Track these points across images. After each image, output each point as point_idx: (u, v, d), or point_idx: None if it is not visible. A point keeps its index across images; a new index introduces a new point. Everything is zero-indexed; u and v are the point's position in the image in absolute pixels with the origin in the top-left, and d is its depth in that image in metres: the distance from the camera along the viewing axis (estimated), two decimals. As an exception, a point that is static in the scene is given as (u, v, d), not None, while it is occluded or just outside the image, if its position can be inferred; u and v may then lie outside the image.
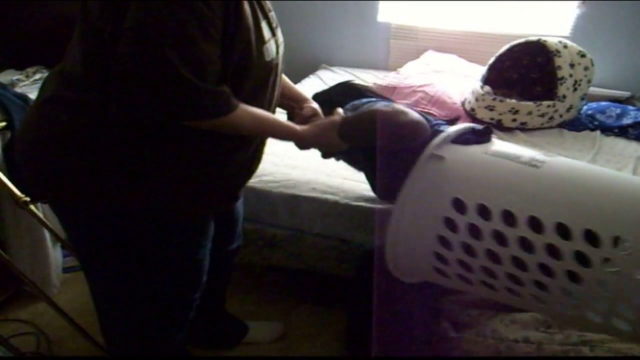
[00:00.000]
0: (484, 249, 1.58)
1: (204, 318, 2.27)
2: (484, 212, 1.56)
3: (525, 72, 3.73)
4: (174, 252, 1.67)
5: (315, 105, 1.99)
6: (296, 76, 3.78)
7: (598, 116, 3.44)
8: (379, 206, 2.32)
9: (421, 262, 1.75)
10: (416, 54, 4.08)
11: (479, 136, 1.79)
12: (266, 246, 2.51)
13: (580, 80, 3.29)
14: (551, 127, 3.34)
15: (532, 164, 1.63)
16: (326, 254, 2.47)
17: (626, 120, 3.36)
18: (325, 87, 3.67)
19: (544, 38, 3.36)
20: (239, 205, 2.08)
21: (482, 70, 3.55)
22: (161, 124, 1.41)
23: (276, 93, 1.73)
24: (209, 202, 1.66)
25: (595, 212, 1.46)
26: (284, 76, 1.92)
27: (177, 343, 1.92)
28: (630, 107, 3.51)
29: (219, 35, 1.36)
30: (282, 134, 1.71)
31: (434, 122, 1.94)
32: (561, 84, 3.25)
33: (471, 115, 3.33)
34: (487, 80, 3.48)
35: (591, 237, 1.40)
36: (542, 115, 3.25)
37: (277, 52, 1.63)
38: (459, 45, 4.17)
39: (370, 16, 4.20)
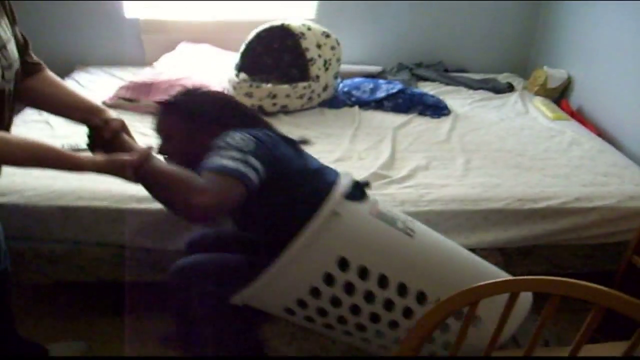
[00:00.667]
0: (351, 303, 1.73)
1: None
2: (363, 272, 1.69)
3: (278, 55, 3.84)
4: None
5: (116, 115, 1.82)
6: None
7: (354, 92, 3.66)
8: (151, 207, 2.32)
9: (276, 300, 1.80)
10: (171, 47, 4.05)
11: (361, 191, 1.84)
12: (46, 263, 2.41)
13: (330, 60, 3.46)
14: (312, 108, 3.49)
15: (406, 232, 1.80)
16: (109, 262, 2.43)
17: (379, 94, 3.61)
18: (82, 89, 3.57)
19: (287, 22, 3.47)
20: None
21: (236, 58, 3.61)
22: None
23: (6, 119, 1.61)
24: None
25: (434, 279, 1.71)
26: (67, 86, 1.86)
27: None
28: (382, 81, 3.77)
29: None
30: (62, 164, 1.48)
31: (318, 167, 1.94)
32: (312, 64, 3.40)
33: (232, 104, 3.37)
34: (241, 67, 3.55)
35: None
36: (301, 97, 3.38)
37: (3, 77, 1.51)
38: (211, 35, 4.19)
39: (116, 13, 4.10)
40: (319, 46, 3.42)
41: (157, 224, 2.36)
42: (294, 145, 1.92)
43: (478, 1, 4.35)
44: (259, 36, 3.56)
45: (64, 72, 3.88)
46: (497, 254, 2.48)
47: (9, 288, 2.11)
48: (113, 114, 1.82)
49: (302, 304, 1.75)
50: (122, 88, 3.39)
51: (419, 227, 1.89)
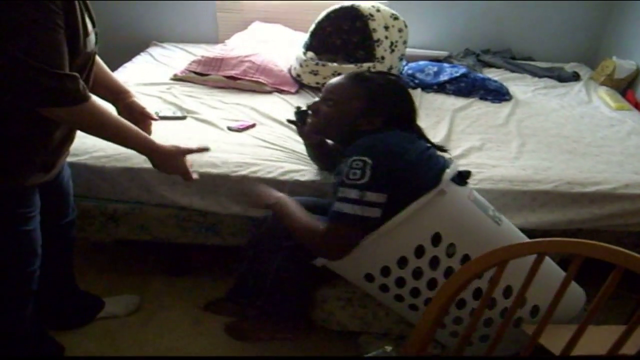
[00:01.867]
0: (430, 277, 1.87)
1: (56, 295, 2.34)
2: (450, 248, 1.84)
3: (347, 37, 3.93)
4: (1, 225, 1.77)
5: (139, 100, 2.13)
6: (127, 54, 3.85)
7: (418, 74, 3.74)
8: (211, 171, 2.47)
9: (362, 265, 1.93)
10: (244, 26, 4.18)
11: (462, 178, 2.00)
12: (109, 221, 2.57)
13: (396, 42, 3.53)
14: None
15: (495, 219, 1.94)
16: (169, 223, 2.58)
17: (443, 77, 3.68)
18: (156, 62, 3.76)
19: (357, 3, 3.55)
20: (66, 179, 2.13)
21: (305, 37, 3.72)
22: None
23: (90, 81, 1.83)
24: (23, 175, 1.75)
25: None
26: (103, 66, 2.05)
27: (26, 317, 1.97)
28: (446, 65, 3.84)
29: (63, 27, 1.51)
30: (137, 143, 1.90)
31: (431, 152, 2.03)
32: (378, 45, 3.48)
33: (298, 81, 3.51)
34: (309, 46, 3.66)
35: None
36: (364, 77, 3.47)
37: (96, 43, 1.78)
38: (283, 15, 4.33)
39: (193, -10, 4.27)
40: (386, 28, 3.50)
41: (215, 188, 2.49)
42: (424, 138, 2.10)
43: (550, -10, 4.35)
44: (329, 17, 3.65)
45: (140, 47, 4.09)
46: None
47: (74, 237, 2.30)
48: (137, 99, 2.14)
49: (385, 271, 1.89)
50: (193, 62, 3.55)
51: (504, 218, 2.03)
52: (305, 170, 2.53)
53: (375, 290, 1.98)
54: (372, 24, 3.48)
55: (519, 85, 3.89)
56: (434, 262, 1.86)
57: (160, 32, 4.36)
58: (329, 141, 2.33)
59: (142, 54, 4.00)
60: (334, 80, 2.14)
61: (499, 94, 3.58)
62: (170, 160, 1.99)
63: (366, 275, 1.93)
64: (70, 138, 1.89)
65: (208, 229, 2.58)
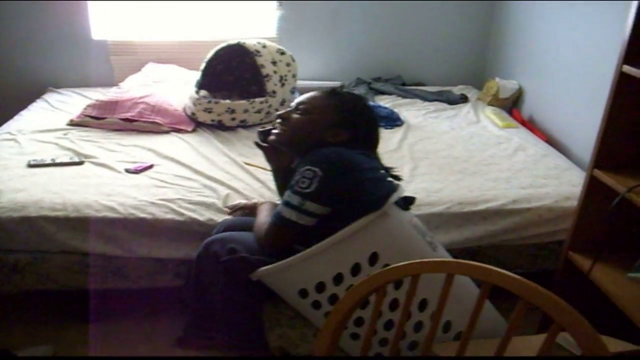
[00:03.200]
0: None
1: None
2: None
3: (238, 73, 3.99)
4: None
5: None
6: (22, 101, 3.78)
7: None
8: (109, 215, 2.46)
9: (297, 280, 1.95)
10: (139, 68, 4.20)
11: (406, 203, 2.06)
12: (12, 273, 2.50)
13: (286, 76, 3.62)
14: (270, 122, 3.60)
15: (432, 245, 1.99)
16: (74, 270, 2.53)
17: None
18: (50, 108, 3.71)
19: (242, 40, 3.62)
20: None
21: (197, 75, 3.75)
22: None
23: None
24: None
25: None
26: None
27: None
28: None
29: None
30: None
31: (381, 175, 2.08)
32: (267, 80, 3.55)
33: (193, 119, 3.52)
34: (202, 85, 3.70)
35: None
36: (259, 112, 3.54)
37: None
38: (177, 55, 4.37)
39: (84, 35, 4.24)
40: (274, 63, 3.58)
41: (114, 231, 2.48)
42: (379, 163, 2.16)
43: (433, 17, 4.56)
44: (218, 54, 3.70)
45: (36, 95, 4.02)
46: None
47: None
48: None
49: (320, 287, 1.91)
50: (88, 106, 3.54)
51: (440, 245, 2.09)
52: (203, 208, 2.56)
53: (307, 307, 1.99)
54: (260, 60, 3.55)
55: (410, 110, 4.03)
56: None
57: (56, 78, 4.30)
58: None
59: (37, 100, 3.93)
60: (308, 93, 2.20)
61: (391, 120, 3.69)
62: None
63: (300, 291, 1.95)
64: None
65: (115, 273, 2.56)
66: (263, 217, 2.12)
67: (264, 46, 3.61)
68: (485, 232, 2.67)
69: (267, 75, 3.54)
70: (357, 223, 1.83)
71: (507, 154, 3.29)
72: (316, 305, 1.96)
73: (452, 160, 3.17)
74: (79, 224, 2.45)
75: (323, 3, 4.39)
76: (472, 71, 4.79)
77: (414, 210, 2.54)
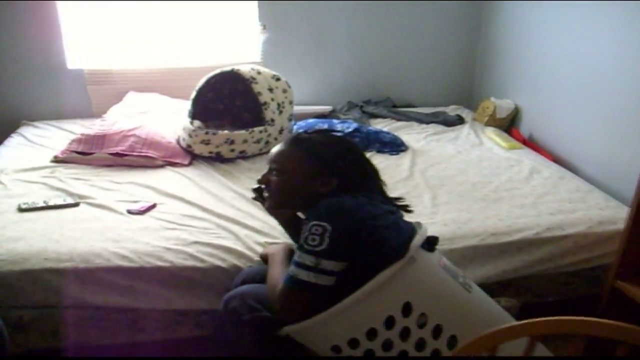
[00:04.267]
0: (400, 349, 1.74)
1: None
2: (421, 319, 1.73)
3: (229, 101, 3.80)
4: None
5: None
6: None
7: (309, 133, 3.63)
8: (126, 264, 2.24)
9: (329, 336, 1.79)
10: (118, 96, 3.98)
11: (430, 244, 1.87)
12: (16, 332, 2.24)
13: (283, 103, 3.45)
14: (269, 152, 3.43)
15: (465, 287, 1.84)
16: (85, 325, 2.30)
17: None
18: (31, 144, 3.45)
19: (237, 67, 3.45)
20: None
21: (187, 105, 3.54)
22: None
23: None
24: None
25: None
26: None
27: None
28: (335, 121, 3.78)
29: None
30: None
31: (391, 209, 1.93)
32: (265, 109, 3.37)
33: (189, 152, 3.31)
34: (194, 114, 3.49)
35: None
36: (258, 142, 3.34)
37: None
38: (158, 83, 4.15)
39: (58, 65, 4.01)
40: (270, 90, 3.40)
41: (130, 282, 2.26)
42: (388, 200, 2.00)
43: (420, 37, 4.47)
44: (209, 82, 3.52)
45: (10, 129, 3.76)
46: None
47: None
48: None
49: (354, 343, 1.76)
50: (73, 142, 3.29)
51: (474, 284, 1.94)
52: (223, 252, 2.36)
53: None
54: (256, 87, 3.38)
55: (410, 134, 3.89)
56: (405, 333, 1.75)
57: (29, 111, 4.05)
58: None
59: (13, 135, 3.68)
60: (274, 149, 2.02)
61: (395, 145, 3.55)
62: None
63: (333, 347, 1.80)
64: None
65: (130, 326, 2.33)
66: (277, 274, 1.89)
67: (259, 72, 3.44)
68: (521, 263, 2.54)
69: (265, 103, 3.36)
70: (384, 273, 1.69)
71: (523, 177, 3.17)
72: None
73: (470, 186, 3.04)
74: (88, 276, 2.23)
75: (308, 25, 4.27)
76: (462, 91, 4.71)
77: (446, 244, 2.44)
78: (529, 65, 3.95)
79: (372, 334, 1.75)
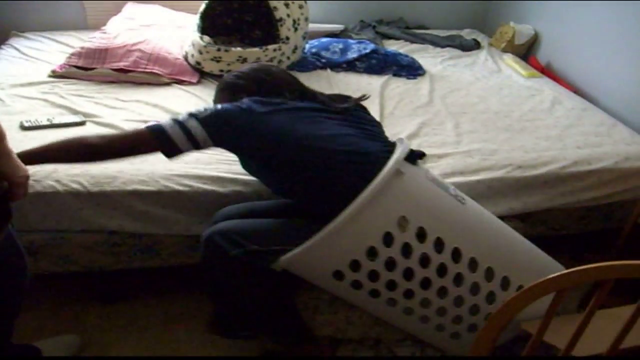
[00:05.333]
0: (405, 267, 1.73)
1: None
2: (420, 234, 1.73)
3: (238, 15, 3.59)
4: None
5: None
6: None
7: (323, 53, 3.46)
8: (143, 188, 2.13)
9: (327, 263, 1.76)
10: (115, 8, 3.74)
11: (414, 158, 1.87)
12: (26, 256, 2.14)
13: (299, 19, 3.25)
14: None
15: (458, 199, 1.85)
16: (98, 250, 2.21)
17: (351, 54, 3.44)
18: (23, 57, 3.25)
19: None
20: None
21: (193, 19, 3.35)
22: None
23: None
24: None
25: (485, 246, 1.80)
26: None
27: None
28: (351, 41, 3.59)
29: None
30: None
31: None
32: (281, 25, 3.17)
33: (198, 69, 3.14)
34: (202, 29, 3.29)
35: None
36: (271, 60, 3.16)
37: None
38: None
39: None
40: (287, 5, 3.19)
41: (146, 207, 2.15)
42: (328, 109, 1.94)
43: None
44: (219, -5, 3.31)
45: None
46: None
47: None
48: None
49: (355, 266, 1.74)
50: (73, 55, 3.09)
51: (466, 196, 1.93)
52: (245, 175, 2.24)
53: (347, 289, 1.82)
54: (273, 2, 3.16)
55: (425, 57, 3.73)
56: (406, 250, 1.73)
57: (19, 21, 3.80)
58: None
59: (3, 47, 3.45)
60: None
61: (412, 69, 3.41)
62: None
63: (335, 273, 1.77)
64: None
65: (144, 251, 2.25)
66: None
67: (275, -15, 3.23)
68: (544, 196, 2.48)
69: (280, 19, 3.16)
70: (371, 187, 1.67)
71: (546, 107, 3.07)
72: (356, 285, 1.80)
73: (493, 115, 2.93)
74: (101, 198, 2.11)
75: None
76: (476, 14, 4.51)
77: (472, 176, 2.37)
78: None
79: (372, 254, 1.73)
